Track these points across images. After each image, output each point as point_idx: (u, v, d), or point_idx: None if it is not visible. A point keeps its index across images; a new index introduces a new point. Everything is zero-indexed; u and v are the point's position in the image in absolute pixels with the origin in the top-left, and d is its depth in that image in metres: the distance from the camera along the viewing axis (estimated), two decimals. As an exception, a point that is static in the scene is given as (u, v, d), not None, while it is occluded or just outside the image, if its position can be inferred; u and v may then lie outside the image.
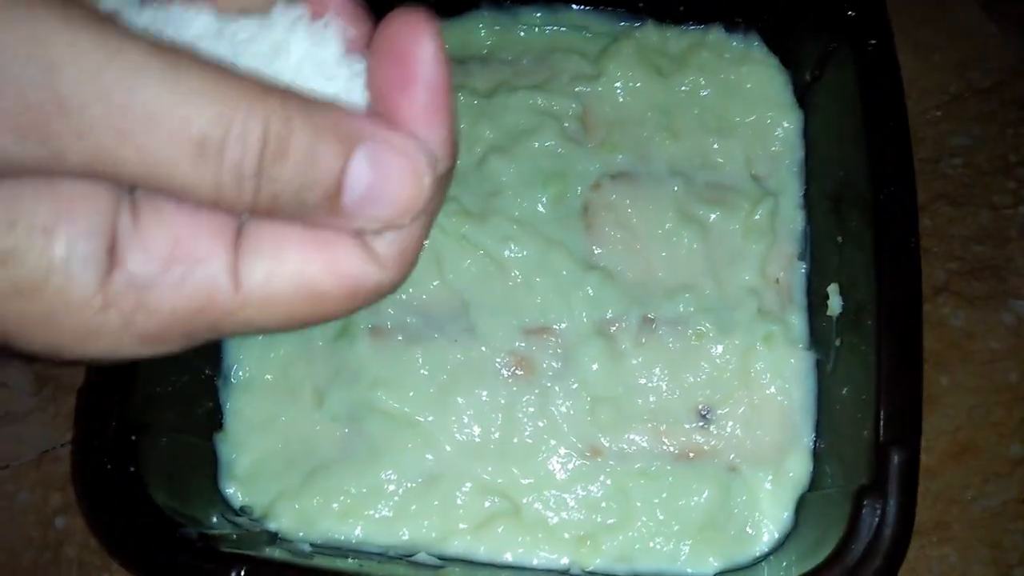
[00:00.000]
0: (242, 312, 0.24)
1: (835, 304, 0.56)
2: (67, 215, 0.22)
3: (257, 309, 0.24)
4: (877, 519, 0.46)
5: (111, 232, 0.23)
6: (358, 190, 0.24)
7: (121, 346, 0.24)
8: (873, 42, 0.54)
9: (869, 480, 0.47)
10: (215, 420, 0.59)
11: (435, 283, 0.61)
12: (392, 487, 0.58)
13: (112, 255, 0.23)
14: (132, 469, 0.49)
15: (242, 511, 0.57)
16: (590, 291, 0.60)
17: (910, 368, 0.48)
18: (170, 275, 0.23)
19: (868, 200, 0.53)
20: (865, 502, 0.47)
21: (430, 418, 0.58)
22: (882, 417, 0.48)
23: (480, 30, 0.69)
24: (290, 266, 0.24)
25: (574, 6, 0.68)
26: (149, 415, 0.52)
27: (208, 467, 0.58)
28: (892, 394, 0.48)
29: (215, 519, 0.55)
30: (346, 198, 0.24)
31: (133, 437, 0.49)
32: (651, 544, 0.56)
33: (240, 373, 0.60)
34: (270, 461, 0.59)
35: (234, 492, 0.58)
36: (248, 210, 0.23)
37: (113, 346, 0.24)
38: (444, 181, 0.27)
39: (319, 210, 0.24)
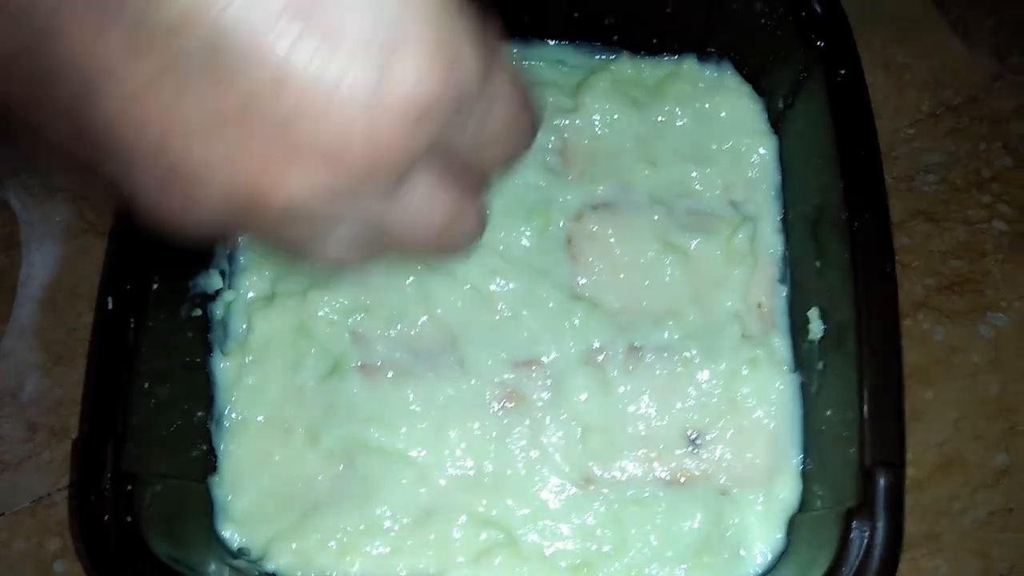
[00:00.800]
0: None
1: (816, 328, 0.57)
2: None
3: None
4: (866, 541, 0.47)
5: None
6: None
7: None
8: (842, 71, 0.56)
9: (856, 502, 0.48)
10: (209, 463, 0.59)
11: (423, 318, 0.62)
12: (388, 523, 0.58)
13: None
14: (129, 520, 0.49)
15: (240, 553, 0.58)
16: (576, 322, 0.61)
17: (891, 391, 0.49)
18: None
19: (843, 225, 0.54)
20: (853, 524, 0.48)
21: (423, 453, 0.59)
22: (867, 439, 0.49)
23: (459, 66, 0.70)
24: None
25: (550, 41, 0.70)
26: (144, 463, 0.52)
27: (204, 510, 0.58)
28: (875, 417, 0.49)
29: (213, 564, 0.55)
30: None
31: (129, 487, 0.50)
32: (646, 570, 0.57)
33: (233, 415, 0.61)
34: (266, 502, 0.59)
35: (231, 534, 0.58)
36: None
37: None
38: None
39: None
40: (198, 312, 0.60)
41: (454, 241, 0.34)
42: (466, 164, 0.31)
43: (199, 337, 0.61)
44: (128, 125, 0.25)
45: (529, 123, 0.32)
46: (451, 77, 0.26)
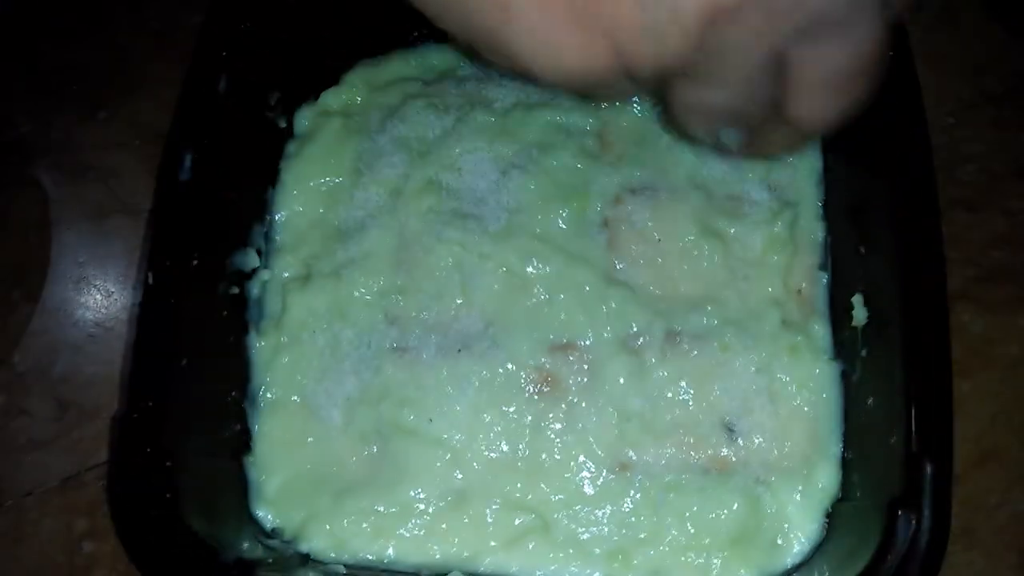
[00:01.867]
0: None
1: (860, 314, 0.57)
2: None
3: None
4: (912, 530, 0.46)
5: None
6: None
7: None
8: (891, 53, 0.55)
9: (902, 491, 0.48)
10: (243, 443, 0.59)
11: (459, 301, 0.61)
12: (422, 506, 0.58)
13: None
14: (168, 496, 0.49)
15: (273, 533, 0.57)
16: (614, 306, 0.60)
17: (939, 377, 0.49)
18: None
19: (889, 209, 0.53)
20: (899, 513, 0.47)
21: (457, 436, 0.59)
22: (914, 427, 0.48)
23: (496, 48, 0.69)
24: None
25: (589, 23, 0.69)
26: (181, 440, 0.52)
27: (238, 490, 0.58)
28: (922, 404, 0.48)
29: (247, 543, 0.55)
30: None
31: (168, 463, 0.50)
32: (682, 558, 0.56)
33: (267, 395, 0.60)
34: (299, 483, 0.59)
35: (265, 515, 0.58)
36: None
37: None
38: None
39: None
40: (235, 290, 0.60)
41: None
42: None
43: (235, 316, 0.60)
44: None
45: (868, 78, 0.34)
46: None
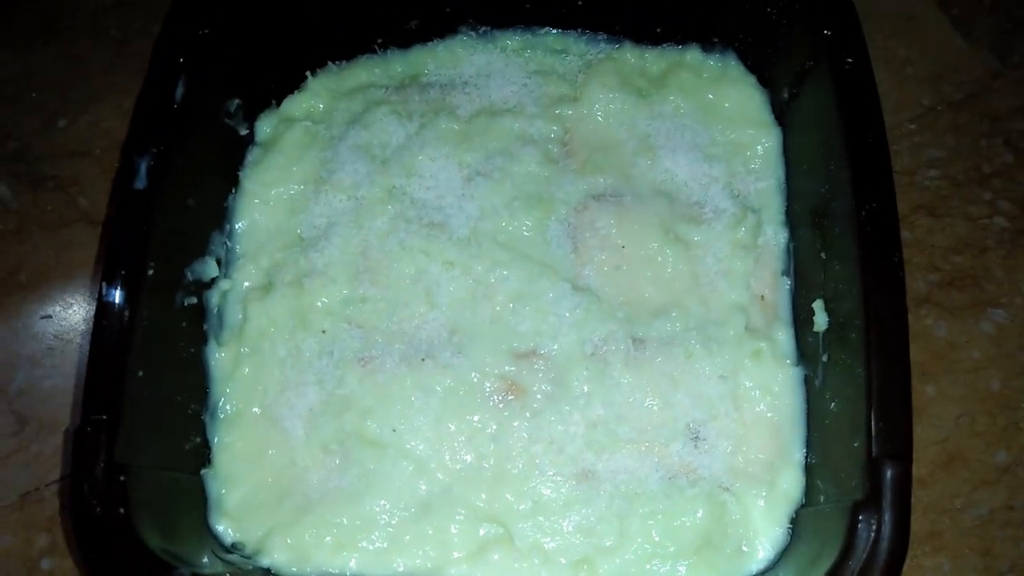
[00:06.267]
0: None
1: (821, 320, 0.57)
2: None
3: None
4: (873, 533, 0.46)
5: None
6: None
7: None
8: (850, 60, 0.55)
9: (863, 495, 0.48)
10: (203, 455, 0.58)
11: (422, 309, 0.61)
12: (385, 517, 0.57)
13: None
14: (122, 511, 0.48)
15: (234, 548, 0.56)
16: (579, 313, 0.60)
17: (899, 381, 0.49)
18: None
19: (850, 215, 0.53)
20: (860, 517, 0.47)
21: (421, 446, 0.58)
22: (873, 431, 0.48)
23: (460, 55, 0.69)
24: None
25: (552, 29, 0.69)
26: (136, 454, 0.51)
27: (197, 504, 0.57)
28: (883, 408, 0.48)
29: (206, 558, 0.54)
30: None
31: (122, 477, 0.49)
32: (648, 566, 0.56)
33: (227, 407, 0.59)
34: (260, 495, 0.58)
35: (224, 529, 0.57)
36: None
37: None
38: None
39: None
40: (193, 300, 0.59)
41: None
42: None
43: (194, 326, 0.59)
44: None
45: None
46: None
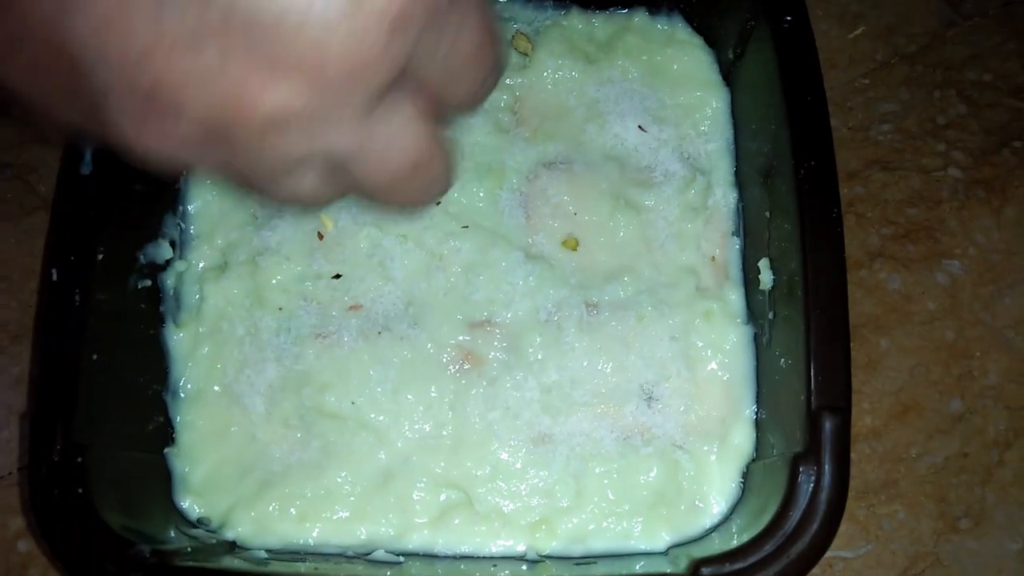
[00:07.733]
0: None
1: (766, 278, 0.58)
2: None
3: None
4: (812, 484, 0.48)
5: None
6: None
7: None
8: (789, 18, 0.55)
9: (803, 447, 0.49)
10: (166, 435, 0.59)
11: (378, 282, 0.62)
12: (348, 488, 0.58)
13: None
14: (80, 491, 0.49)
15: (199, 523, 0.58)
16: (532, 281, 0.61)
17: (837, 335, 0.50)
18: None
19: (790, 173, 0.54)
20: (801, 468, 0.48)
21: (381, 417, 0.59)
22: (812, 385, 0.49)
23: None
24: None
25: (499, -3, 0.69)
26: (96, 435, 0.52)
27: (162, 482, 0.58)
28: (821, 362, 0.49)
29: (172, 533, 0.55)
30: None
31: (80, 459, 0.49)
32: (604, 524, 0.57)
33: (188, 386, 0.60)
34: (224, 471, 0.59)
35: (190, 505, 0.58)
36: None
37: None
38: None
39: None
40: (147, 283, 0.60)
41: (423, 186, 0.34)
42: (438, 100, 0.32)
43: (150, 308, 0.60)
44: (108, 40, 0.25)
45: (496, 56, 0.33)
46: None
